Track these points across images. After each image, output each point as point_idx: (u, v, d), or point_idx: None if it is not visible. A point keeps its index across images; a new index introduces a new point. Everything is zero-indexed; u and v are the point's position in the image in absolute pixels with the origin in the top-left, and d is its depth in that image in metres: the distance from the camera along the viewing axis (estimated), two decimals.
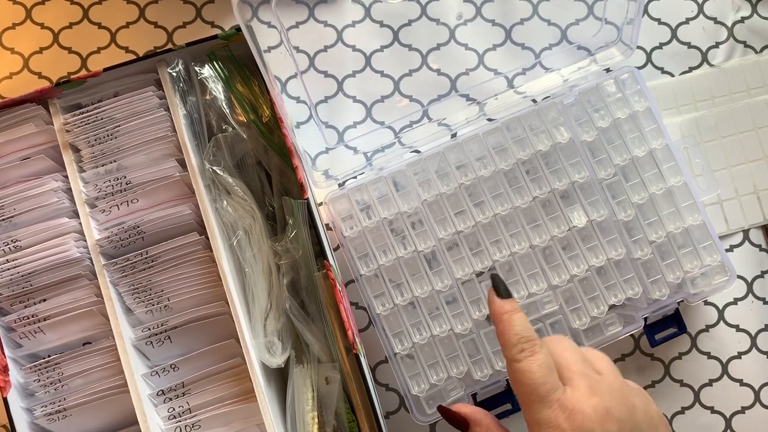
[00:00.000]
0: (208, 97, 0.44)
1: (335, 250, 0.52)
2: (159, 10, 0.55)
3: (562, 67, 0.53)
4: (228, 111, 0.44)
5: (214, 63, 0.44)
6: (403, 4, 0.55)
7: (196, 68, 0.44)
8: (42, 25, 0.55)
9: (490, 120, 0.52)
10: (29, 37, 0.55)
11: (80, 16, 0.55)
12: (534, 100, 0.52)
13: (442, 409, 0.40)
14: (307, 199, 0.42)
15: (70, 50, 0.55)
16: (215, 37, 0.43)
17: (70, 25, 0.55)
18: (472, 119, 0.51)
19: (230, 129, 0.43)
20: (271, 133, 0.44)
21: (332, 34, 0.55)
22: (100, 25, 0.55)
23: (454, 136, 0.51)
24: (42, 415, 0.40)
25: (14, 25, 0.55)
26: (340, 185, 0.50)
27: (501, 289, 0.39)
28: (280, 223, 0.44)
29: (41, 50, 0.55)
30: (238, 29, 0.43)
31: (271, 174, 0.45)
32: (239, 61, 0.45)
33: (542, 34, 0.55)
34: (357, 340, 0.43)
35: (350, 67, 0.54)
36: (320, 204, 0.51)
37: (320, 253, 0.44)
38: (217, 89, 0.44)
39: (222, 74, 0.44)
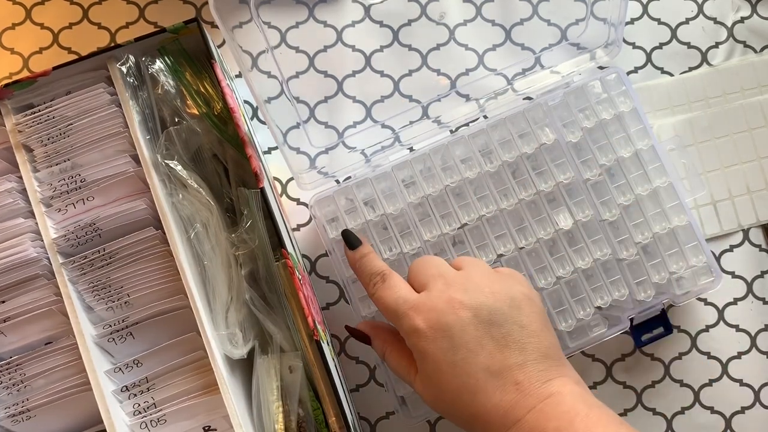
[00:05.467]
0: (159, 91, 0.43)
1: (324, 255, 0.52)
2: (159, 10, 0.55)
3: (563, 67, 0.52)
4: (180, 104, 0.43)
5: (165, 57, 0.44)
6: (403, 4, 0.55)
7: (147, 63, 0.44)
8: (42, 25, 0.55)
9: (486, 117, 0.52)
10: (29, 37, 0.55)
11: (80, 16, 0.55)
12: (530, 98, 0.52)
13: (348, 328, 0.46)
14: (262, 188, 0.41)
15: (69, 50, 0.55)
16: (164, 30, 0.43)
17: (70, 25, 0.55)
18: (471, 119, 0.51)
19: (183, 122, 0.43)
20: (224, 124, 0.44)
21: (332, 34, 0.55)
22: (99, 25, 0.55)
23: (453, 132, 0.51)
24: (5, 416, 0.40)
25: (14, 25, 0.55)
26: (337, 182, 0.50)
27: (352, 241, 0.45)
28: (239, 215, 0.44)
29: (41, 50, 0.55)
30: (186, 22, 0.43)
31: (227, 166, 0.45)
32: (190, 55, 0.45)
33: (542, 34, 0.55)
34: (319, 327, 0.43)
35: (350, 67, 0.54)
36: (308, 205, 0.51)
37: (279, 243, 0.43)
38: (168, 83, 0.44)
39: (173, 68, 0.44)
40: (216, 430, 0.41)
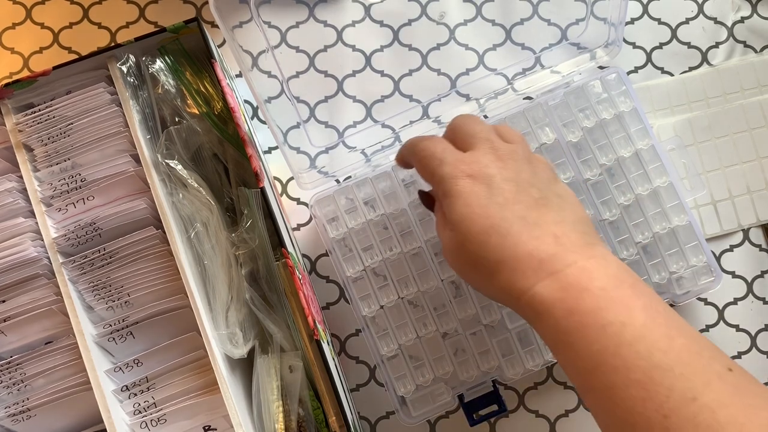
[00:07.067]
0: (159, 90, 0.43)
1: (324, 255, 0.52)
2: (159, 10, 0.55)
3: (563, 67, 0.53)
4: (180, 104, 0.43)
5: (165, 56, 0.44)
6: (403, 4, 0.55)
7: (147, 63, 0.44)
8: (42, 25, 0.55)
9: (486, 117, 0.52)
10: (29, 37, 0.55)
11: (80, 16, 0.55)
12: (530, 98, 0.52)
13: (420, 193, 0.45)
14: (262, 187, 0.41)
15: (70, 50, 0.55)
16: (164, 30, 0.43)
17: (70, 25, 0.55)
18: None
19: (184, 122, 0.43)
20: (224, 124, 0.44)
21: (332, 34, 0.55)
22: (100, 25, 0.55)
23: None
24: (6, 416, 0.40)
25: (14, 25, 0.55)
26: (337, 181, 0.50)
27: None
28: (239, 215, 0.44)
29: (41, 50, 0.55)
30: (186, 22, 0.43)
31: (227, 165, 0.45)
32: (190, 54, 0.45)
33: (542, 34, 0.55)
34: (319, 327, 0.43)
35: (350, 67, 0.54)
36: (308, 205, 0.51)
37: (279, 242, 0.43)
38: (168, 83, 0.44)
39: (173, 67, 0.44)
40: (216, 429, 0.41)
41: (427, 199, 0.44)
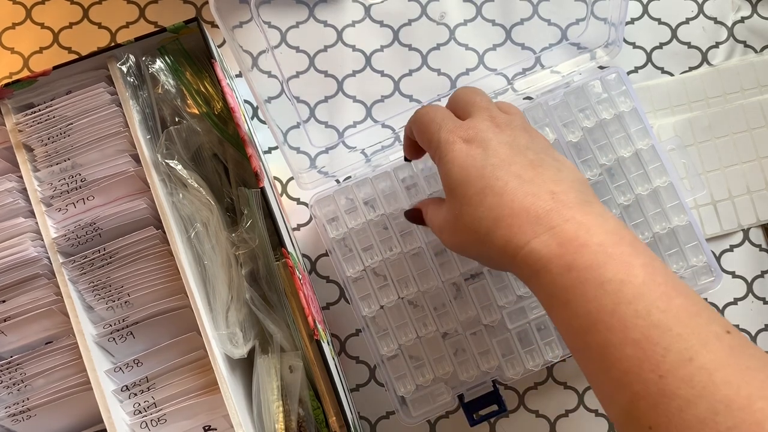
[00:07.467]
0: (159, 90, 0.43)
1: (324, 255, 0.52)
2: (159, 10, 0.55)
3: (563, 67, 0.53)
4: (180, 104, 0.43)
5: (165, 57, 0.44)
6: (403, 4, 0.55)
7: (147, 63, 0.44)
8: (42, 25, 0.55)
9: None
10: (29, 37, 0.55)
11: (80, 16, 0.55)
12: (530, 98, 0.52)
13: (406, 213, 0.45)
14: (262, 187, 0.41)
15: (70, 50, 0.55)
16: (164, 30, 0.43)
17: (70, 25, 0.55)
18: None
19: (184, 122, 0.43)
20: (224, 124, 0.44)
21: (332, 34, 0.55)
22: (100, 25, 0.55)
23: None
24: (6, 416, 0.40)
25: (14, 25, 0.55)
26: (337, 181, 0.50)
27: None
28: (239, 215, 0.44)
29: (41, 50, 0.55)
30: (186, 22, 0.43)
31: (227, 165, 0.45)
32: (190, 54, 0.45)
33: (542, 34, 0.55)
34: (319, 326, 0.43)
35: (350, 67, 0.54)
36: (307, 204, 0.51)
37: (279, 242, 0.43)
38: (168, 83, 0.44)
39: (173, 67, 0.44)
40: (216, 429, 0.41)
41: (414, 215, 0.44)
